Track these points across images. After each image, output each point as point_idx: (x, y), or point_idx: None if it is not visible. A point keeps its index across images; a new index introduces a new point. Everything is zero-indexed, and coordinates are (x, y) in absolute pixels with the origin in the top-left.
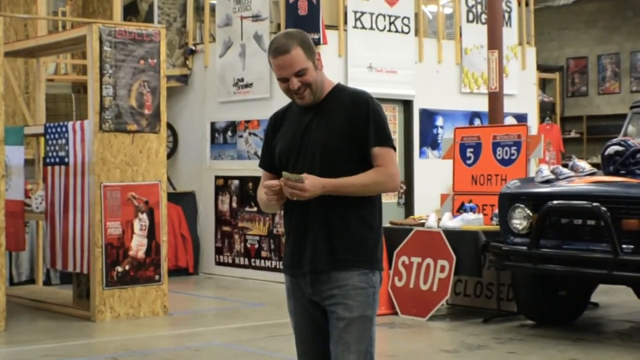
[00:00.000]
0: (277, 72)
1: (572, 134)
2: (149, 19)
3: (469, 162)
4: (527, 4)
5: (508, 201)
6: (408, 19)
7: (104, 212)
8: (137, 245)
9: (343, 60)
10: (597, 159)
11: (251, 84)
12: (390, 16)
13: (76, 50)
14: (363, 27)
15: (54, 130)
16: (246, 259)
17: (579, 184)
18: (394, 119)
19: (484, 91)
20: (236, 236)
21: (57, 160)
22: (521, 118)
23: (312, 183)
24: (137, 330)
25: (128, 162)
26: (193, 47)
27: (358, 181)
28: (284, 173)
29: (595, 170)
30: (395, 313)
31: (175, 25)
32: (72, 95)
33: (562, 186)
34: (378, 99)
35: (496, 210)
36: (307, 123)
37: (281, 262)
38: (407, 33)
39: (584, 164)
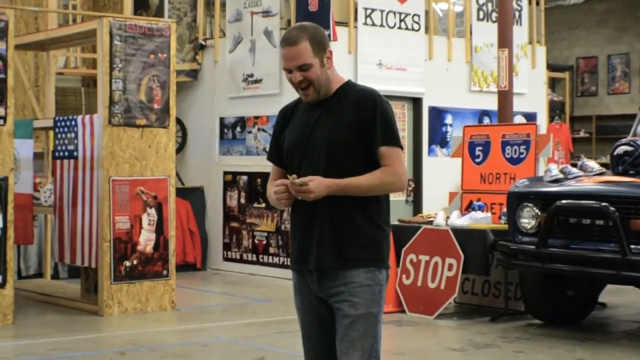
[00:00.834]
0: (283, 62)
1: (582, 134)
2: (159, 13)
3: (477, 160)
4: (537, 3)
5: (516, 200)
6: (418, 16)
7: (113, 207)
8: (145, 240)
9: (353, 57)
10: (606, 159)
11: (261, 80)
12: (400, 13)
13: (86, 44)
14: (373, 24)
15: (63, 124)
16: (254, 255)
17: (588, 184)
18: (403, 116)
19: (493, 89)
20: (244, 232)
21: (66, 154)
22: (530, 117)
23: (316, 184)
24: (144, 325)
25: (137, 157)
26: (203, 42)
27: (364, 181)
28: (290, 178)
29: (604, 170)
30: (403, 311)
31: (185, 20)
32: (81, 89)
33: (571, 186)
34: (387, 96)
35: (504, 209)
36: (314, 119)
37: (289, 259)
38: (417, 30)
39: (592, 164)
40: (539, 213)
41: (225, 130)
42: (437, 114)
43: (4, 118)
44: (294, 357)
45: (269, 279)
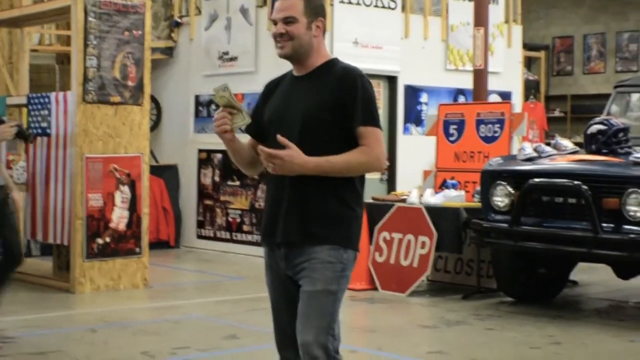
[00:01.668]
0: (273, 13)
1: (556, 113)
2: None
3: (452, 139)
4: None
5: (490, 178)
6: None
7: (86, 184)
8: (118, 217)
9: (329, 35)
10: (581, 138)
11: (236, 58)
12: None
13: (61, 21)
14: (350, 2)
15: (36, 101)
16: (228, 233)
17: (561, 162)
18: (378, 95)
19: (469, 68)
20: (218, 210)
21: (40, 131)
22: (506, 96)
23: (289, 154)
24: (116, 302)
25: (110, 134)
26: (178, 20)
27: (340, 160)
28: (214, 88)
29: (577, 149)
30: (375, 288)
31: None
32: (55, 66)
33: (544, 164)
34: None
35: (478, 187)
36: (294, 92)
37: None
38: (393, 9)
39: (566, 143)
40: (512, 191)
41: (200, 108)
42: (413, 92)
43: None
44: (266, 335)
45: (242, 257)
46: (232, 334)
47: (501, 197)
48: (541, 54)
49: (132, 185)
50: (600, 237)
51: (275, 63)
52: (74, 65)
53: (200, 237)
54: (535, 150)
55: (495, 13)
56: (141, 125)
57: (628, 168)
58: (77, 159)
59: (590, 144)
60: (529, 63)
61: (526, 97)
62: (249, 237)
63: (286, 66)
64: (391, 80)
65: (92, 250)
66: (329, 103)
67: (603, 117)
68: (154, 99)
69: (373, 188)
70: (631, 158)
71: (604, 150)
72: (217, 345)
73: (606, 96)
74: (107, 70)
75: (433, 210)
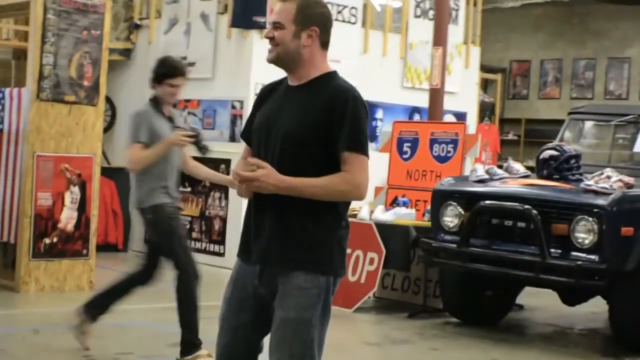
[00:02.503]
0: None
1: (510, 136)
2: None
3: (405, 156)
4: (475, 4)
5: (441, 198)
6: (356, 9)
7: (35, 182)
8: (67, 218)
9: None
10: (533, 163)
11: (194, 63)
12: (338, 5)
13: (19, 16)
14: None
15: None
16: None
17: (512, 186)
18: None
19: (425, 87)
20: None
21: None
22: (460, 116)
23: (266, 174)
24: (61, 303)
25: (63, 133)
26: (138, 22)
27: (318, 184)
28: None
29: (529, 173)
30: None
31: None
32: (11, 61)
33: (495, 187)
34: None
35: (429, 207)
36: (284, 105)
37: (212, 244)
38: (353, 23)
39: (518, 166)
40: (463, 212)
41: None
42: (369, 108)
43: None
44: (210, 343)
45: None
46: (176, 342)
47: (451, 218)
48: (498, 77)
49: (83, 186)
50: (547, 263)
51: (232, 71)
52: (30, 62)
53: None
54: (487, 172)
55: (455, 33)
56: (95, 126)
57: (578, 195)
58: (29, 156)
59: (542, 169)
60: (485, 85)
61: (481, 119)
62: (198, 245)
63: (242, 75)
64: None
65: (38, 249)
66: (316, 122)
67: (556, 142)
68: (109, 100)
69: None
70: (582, 185)
71: (556, 176)
72: (160, 352)
73: (560, 122)
74: (64, 68)
75: (383, 227)
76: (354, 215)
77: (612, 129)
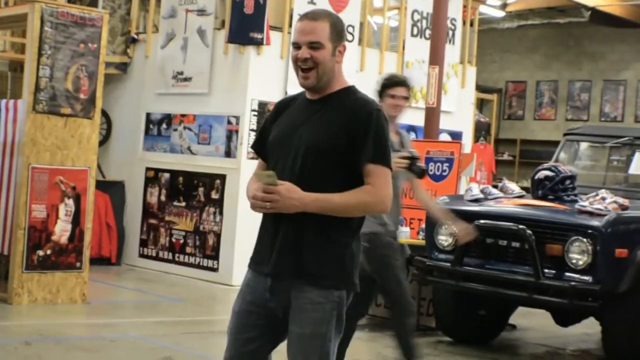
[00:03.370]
0: (295, 35)
1: (505, 156)
2: (93, 3)
3: None
4: (471, 24)
5: None
6: (353, 27)
7: (30, 194)
8: (61, 230)
9: (285, 63)
10: (528, 183)
11: (190, 78)
12: None
13: (16, 28)
14: None
15: None
16: (170, 254)
17: (507, 206)
18: None
19: (421, 106)
20: (162, 230)
21: None
22: (456, 135)
23: (288, 189)
24: (53, 316)
25: (59, 146)
26: (135, 36)
27: (341, 199)
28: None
29: (524, 193)
30: None
31: (119, 12)
32: (8, 73)
33: (490, 206)
34: None
35: (423, 225)
36: (305, 118)
37: (206, 259)
38: (350, 41)
39: (513, 186)
40: (457, 231)
41: (151, 126)
42: None
43: None
44: (201, 358)
45: (184, 279)
46: (167, 356)
47: (445, 237)
48: (494, 97)
49: (77, 199)
50: (541, 283)
51: (228, 86)
52: (26, 74)
53: (142, 255)
54: (482, 191)
55: (451, 53)
56: (90, 139)
57: (573, 216)
58: (24, 168)
59: (537, 189)
60: (481, 105)
61: (476, 139)
62: (192, 259)
63: (239, 91)
64: None
65: (32, 261)
66: (339, 135)
67: (551, 163)
68: (105, 114)
69: None
70: (576, 206)
71: (550, 197)
72: None
73: (555, 143)
74: (60, 81)
75: None
76: None
77: (607, 150)
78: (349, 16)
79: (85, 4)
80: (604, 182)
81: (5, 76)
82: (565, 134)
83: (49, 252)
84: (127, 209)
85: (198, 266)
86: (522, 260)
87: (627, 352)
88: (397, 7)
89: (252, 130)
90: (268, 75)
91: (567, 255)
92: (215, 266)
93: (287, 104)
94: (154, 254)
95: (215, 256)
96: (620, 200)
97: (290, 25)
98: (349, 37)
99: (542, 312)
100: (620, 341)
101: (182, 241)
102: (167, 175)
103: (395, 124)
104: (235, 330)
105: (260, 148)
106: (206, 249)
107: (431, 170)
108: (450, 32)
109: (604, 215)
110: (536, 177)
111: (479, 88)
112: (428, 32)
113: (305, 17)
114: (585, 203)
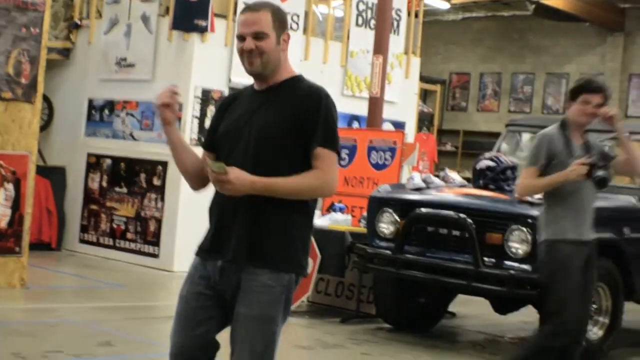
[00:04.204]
0: (239, 28)
1: (448, 147)
2: None
3: (343, 163)
4: (416, 15)
5: (377, 205)
6: (298, 16)
7: None
8: (0, 215)
9: (229, 50)
10: (470, 174)
11: (134, 65)
12: None
13: None
14: None
15: None
16: (111, 239)
17: (448, 195)
18: None
19: (365, 95)
20: (103, 215)
21: None
22: (399, 125)
23: (237, 176)
24: None
25: None
26: (78, 22)
27: (290, 183)
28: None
29: (465, 182)
30: None
31: None
32: None
33: (432, 195)
34: None
35: (365, 213)
36: (255, 108)
37: (147, 245)
38: (295, 30)
39: (455, 175)
40: (398, 219)
41: (93, 112)
42: None
43: None
44: (141, 343)
45: (124, 264)
46: (106, 341)
47: (387, 224)
48: (437, 88)
49: (17, 184)
50: (480, 271)
51: (172, 73)
52: None
53: (82, 241)
54: (424, 180)
55: (396, 43)
56: (31, 124)
57: (513, 205)
58: None
59: (479, 178)
60: (424, 95)
61: (419, 129)
62: (132, 245)
63: (182, 78)
64: None
65: None
66: (290, 121)
67: (493, 153)
68: (46, 99)
69: None
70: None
71: (491, 186)
72: (90, 351)
73: (498, 135)
74: (1, 65)
75: (319, 232)
76: None
77: None
78: (294, 5)
79: None
80: None
81: None
82: (507, 125)
83: None
84: (68, 194)
85: (139, 252)
86: (462, 249)
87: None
88: None
89: (196, 117)
90: (212, 63)
91: (506, 244)
92: (156, 252)
93: (231, 100)
94: (94, 240)
95: (156, 242)
96: None
97: (234, 13)
98: (294, 26)
99: (482, 300)
100: None
101: (123, 227)
102: (108, 161)
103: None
104: (184, 315)
105: (210, 146)
106: (147, 235)
107: (373, 159)
108: (395, 23)
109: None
110: (478, 166)
111: (423, 79)
112: (373, 22)
113: (248, 9)
114: None
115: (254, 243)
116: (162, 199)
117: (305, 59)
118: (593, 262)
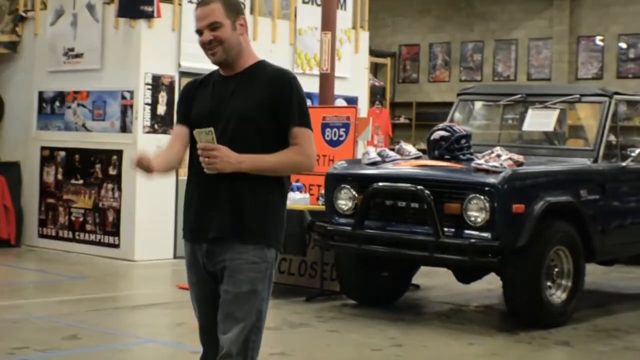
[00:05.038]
0: (195, 24)
1: (402, 120)
2: None
3: None
4: None
5: (334, 182)
6: None
7: None
8: None
9: (176, 35)
10: (425, 145)
11: (82, 54)
12: None
13: None
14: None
15: None
16: (70, 232)
17: (404, 167)
18: None
19: (316, 72)
20: (61, 209)
21: None
22: (351, 101)
23: (226, 153)
24: None
25: None
26: (23, 14)
27: (274, 159)
28: (196, 130)
29: (421, 154)
30: None
31: None
32: None
33: (388, 169)
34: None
35: (322, 191)
36: (227, 92)
37: (106, 236)
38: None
39: (410, 148)
40: (356, 195)
41: (44, 105)
42: None
43: None
44: (107, 335)
45: (85, 257)
46: (72, 334)
47: (345, 201)
48: (387, 61)
49: None
50: (441, 242)
51: (121, 61)
52: None
53: (42, 236)
54: (379, 154)
55: (343, 19)
56: None
57: (469, 174)
58: None
59: (434, 149)
60: (375, 69)
61: (372, 103)
62: (92, 237)
63: (132, 65)
64: None
65: None
66: (263, 103)
67: (446, 123)
68: None
69: None
70: (473, 164)
71: (447, 156)
72: (56, 345)
73: (450, 104)
74: None
75: None
76: None
77: (501, 109)
78: None
79: None
80: (498, 140)
81: None
82: (459, 94)
83: None
84: (23, 189)
85: (99, 243)
86: (421, 221)
87: (527, 305)
88: None
89: (147, 104)
90: (161, 48)
91: (465, 213)
92: (117, 242)
93: (196, 86)
94: (53, 234)
95: (115, 232)
96: (515, 156)
97: None
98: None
99: (445, 271)
100: (521, 295)
101: (81, 219)
102: (62, 153)
103: None
104: (203, 297)
105: (185, 120)
106: (106, 225)
107: (328, 136)
108: None
109: (500, 172)
110: (432, 137)
111: (373, 53)
112: None
113: (199, 4)
114: (481, 161)
115: (236, 221)
116: (119, 189)
117: (254, 39)
118: None
